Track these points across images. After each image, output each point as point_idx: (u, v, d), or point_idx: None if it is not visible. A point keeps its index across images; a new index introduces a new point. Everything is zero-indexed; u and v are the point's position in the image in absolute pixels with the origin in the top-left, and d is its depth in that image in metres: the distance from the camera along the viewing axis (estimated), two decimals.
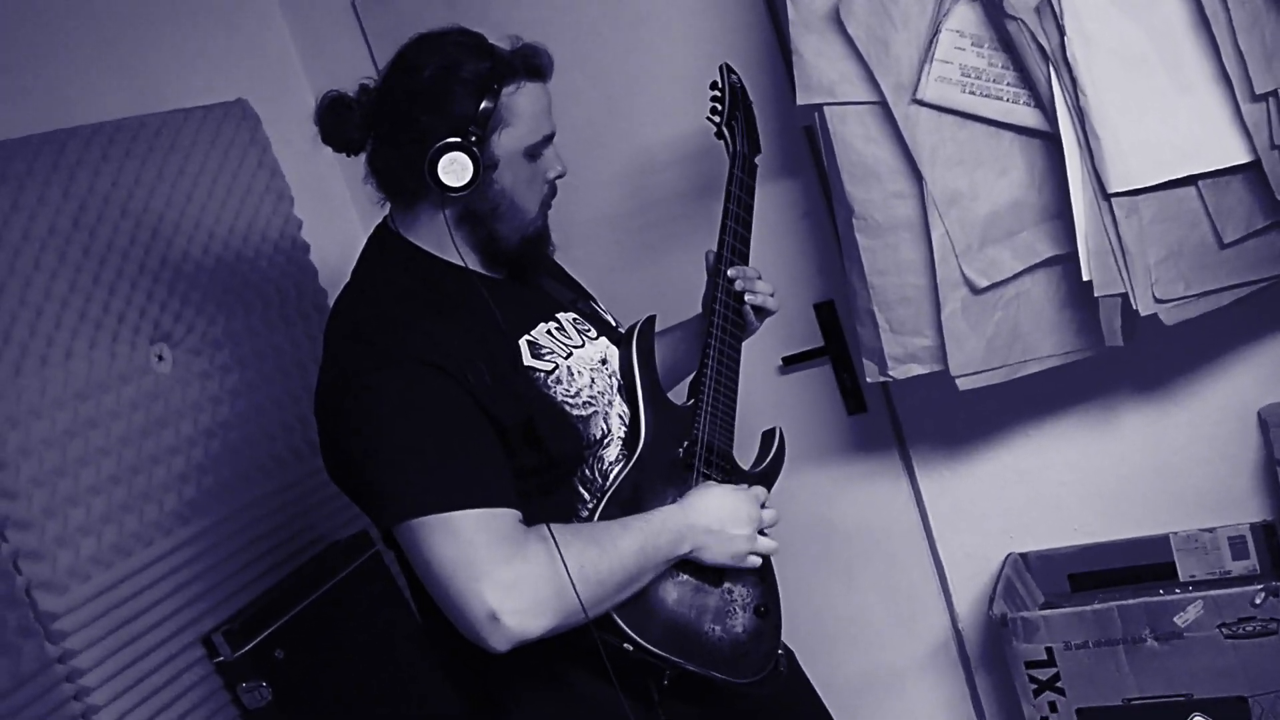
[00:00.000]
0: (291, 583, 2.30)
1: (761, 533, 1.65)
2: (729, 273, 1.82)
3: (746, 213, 1.88)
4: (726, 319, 1.80)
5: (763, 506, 1.68)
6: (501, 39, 1.62)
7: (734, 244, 1.85)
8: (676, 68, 2.53)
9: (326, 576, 2.33)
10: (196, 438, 2.24)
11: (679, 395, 1.78)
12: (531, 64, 1.60)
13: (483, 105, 1.53)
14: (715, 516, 1.59)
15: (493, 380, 1.50)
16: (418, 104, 1.54)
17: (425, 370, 1.46)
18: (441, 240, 1.61)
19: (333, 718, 2.21)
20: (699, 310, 1.97)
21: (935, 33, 1.97)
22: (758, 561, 1.64)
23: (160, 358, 2.20)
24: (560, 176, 1.67)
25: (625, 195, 2.67)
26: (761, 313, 1.88)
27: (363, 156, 1.64)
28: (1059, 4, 1.86)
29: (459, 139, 1.51)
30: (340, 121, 1.59)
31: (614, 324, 1.84)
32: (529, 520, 1.46)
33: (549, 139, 1.63)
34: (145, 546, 2.08)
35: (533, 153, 1.61)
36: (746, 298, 1.83)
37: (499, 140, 1.56)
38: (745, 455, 1.80)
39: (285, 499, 2.41)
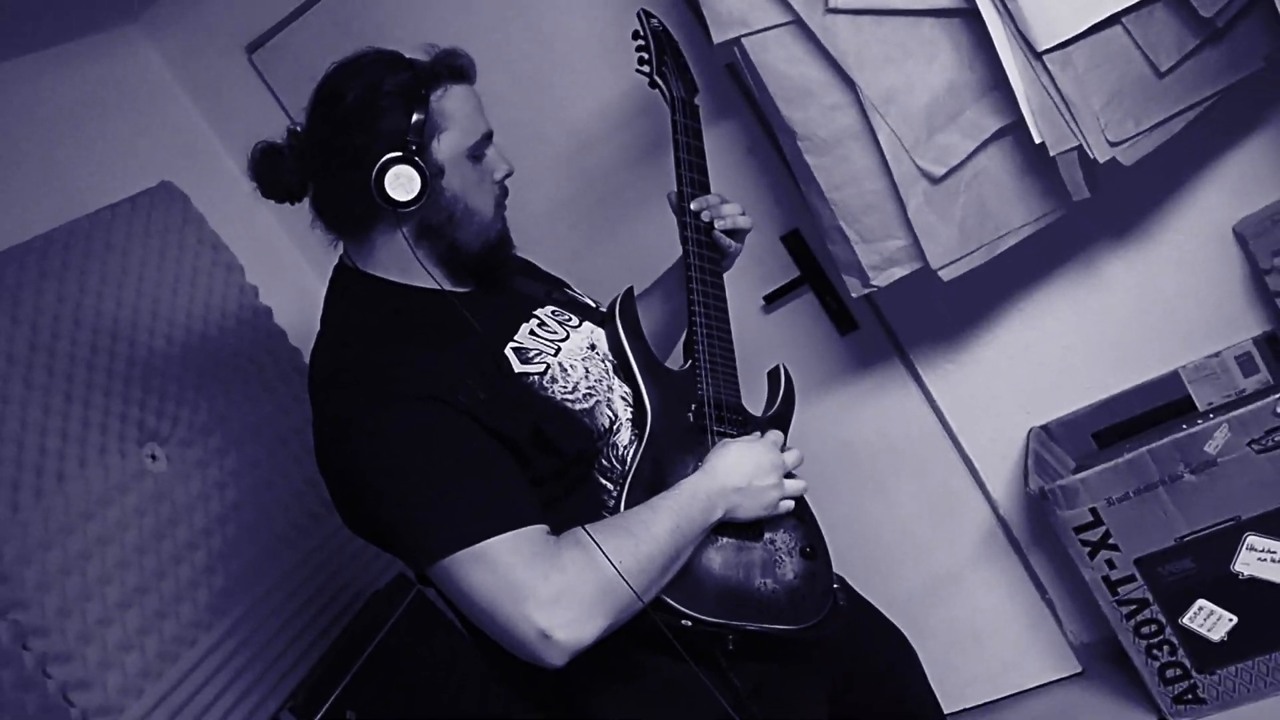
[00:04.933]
0: (345, 642, 2.28)
1: (790, 475, 1.64)
2: (692, 206, 1.79)
3: (699, 155, 1.84)
4: (702, 256, 1.77)
5: (784, 449, 1.66)
6: (415, 50, 1.59)
7: (693, 177, 1.82)
8: (584, 36, 2.50)
9: (377, 627, 2.32)
10: (211, 527, 2.21)
11: (678, 358, 1.76)
12: (453, 66, 1.58)
13: (415, 116, 1.51)
14: (739, 473, 1.56)
15: (488, 396, 1.48)
16: (349, 129, 1.51)
17: (419, 403, 1.43)
18: (404, 264, 1.59)
19: None
20: (679, 256, 1.91)
21: None
22: (791, 505, 1.63)
23: (154, 457, 2.18)
24: (508, 175, 1.66)
25: (571, 177, 2.65)
26: (737, 234, 1.83)
27: (305, 203, 1.61)
28: None
29: (399, 152, 1.49)
30: (275, 170, 1.57)
31: (594, 305, 1.81)
32: (558, 521, 1.44)
33: (488, 137, 1.62)
34: (189, 648, 2.05)
35: (475, 154, 1.59)
36: (716, 224, 1.79)
37: (439, 146, 1.55)
38: (754, 401, 1.78)
39: (314, 563, 2.39)
